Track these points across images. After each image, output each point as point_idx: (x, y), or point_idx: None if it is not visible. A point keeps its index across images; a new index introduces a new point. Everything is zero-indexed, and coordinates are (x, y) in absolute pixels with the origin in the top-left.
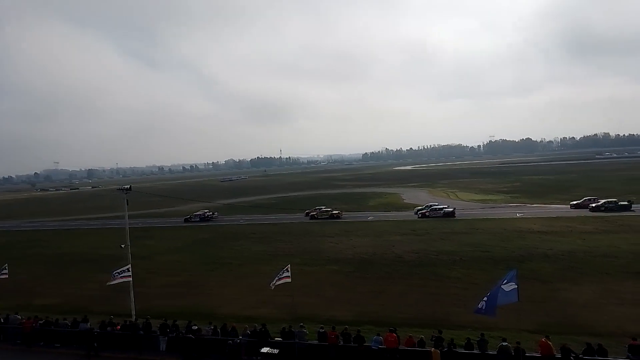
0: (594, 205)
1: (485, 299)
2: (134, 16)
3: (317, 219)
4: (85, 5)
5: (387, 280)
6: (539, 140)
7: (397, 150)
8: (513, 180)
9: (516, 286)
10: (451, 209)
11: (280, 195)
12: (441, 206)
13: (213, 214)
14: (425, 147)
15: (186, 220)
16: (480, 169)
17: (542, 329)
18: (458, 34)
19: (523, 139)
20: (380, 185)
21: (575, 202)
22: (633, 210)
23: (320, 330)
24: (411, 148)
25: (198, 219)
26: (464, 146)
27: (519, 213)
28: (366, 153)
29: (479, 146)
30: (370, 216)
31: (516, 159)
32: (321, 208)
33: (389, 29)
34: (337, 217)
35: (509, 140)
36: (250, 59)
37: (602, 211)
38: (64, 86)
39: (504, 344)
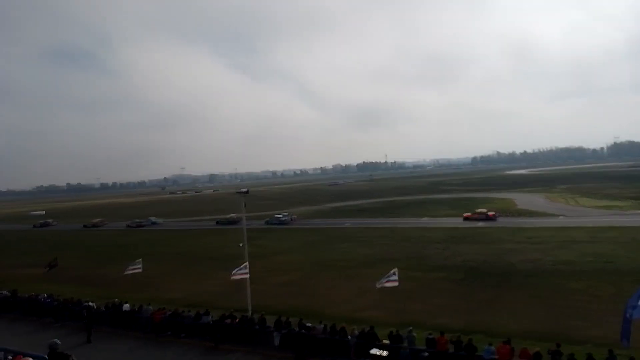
0: None
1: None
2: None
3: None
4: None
5: (500, 289)
6: None
7: (509, 153)
8: None
9: None
10: None
11: (385, 199)
12: None
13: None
14: (541, 150)
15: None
16: (605, 172)
17: None
18: (564, 27)
19: None
20: (492, 190)
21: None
22: None
23: (429, 336)
24: (525, 151)
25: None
26: (585, 148)
27: None
28: (475, 157)
29: (602, 148)
30: (480, 222)
31: None
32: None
33: (484, 28)
34: None
35: (638, 142)
36: (345, 66)
37: None
38: (185, 99)
39: None
